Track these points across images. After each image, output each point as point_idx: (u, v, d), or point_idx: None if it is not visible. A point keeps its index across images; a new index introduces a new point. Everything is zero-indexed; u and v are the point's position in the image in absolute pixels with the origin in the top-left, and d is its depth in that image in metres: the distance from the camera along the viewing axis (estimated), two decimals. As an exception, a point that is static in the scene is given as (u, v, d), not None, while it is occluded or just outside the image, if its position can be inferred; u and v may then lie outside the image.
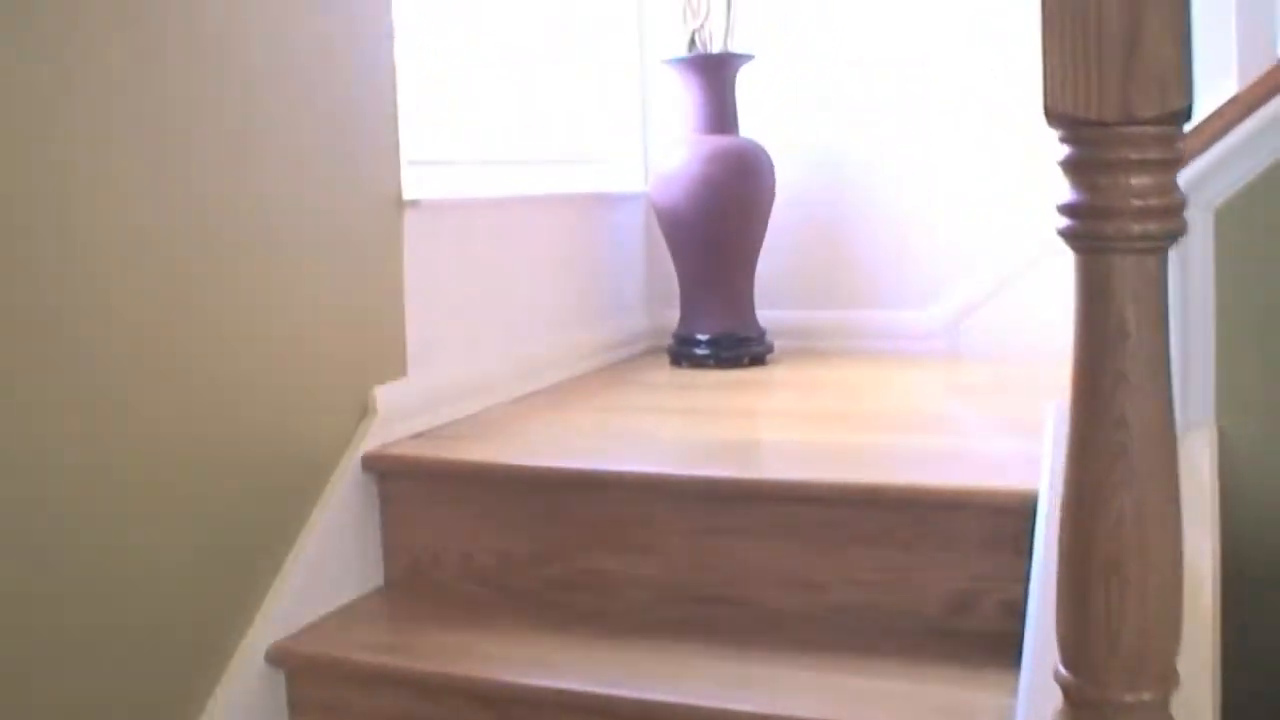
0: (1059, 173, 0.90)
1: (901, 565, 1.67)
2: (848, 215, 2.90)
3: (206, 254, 1.65)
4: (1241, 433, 1.67)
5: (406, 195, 2.08)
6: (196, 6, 1.63)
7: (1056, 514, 0.95)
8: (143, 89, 1.54)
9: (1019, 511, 1.56)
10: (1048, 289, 2.73)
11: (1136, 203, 0.86)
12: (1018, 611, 1.46)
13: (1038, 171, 2.81)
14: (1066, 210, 0.89)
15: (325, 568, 1.83)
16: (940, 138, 2.80)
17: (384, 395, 2.00)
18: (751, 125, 2.83)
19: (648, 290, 3.06)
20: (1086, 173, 0.87)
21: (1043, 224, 2.81)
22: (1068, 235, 0.90)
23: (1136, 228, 0.87)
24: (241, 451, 1.71)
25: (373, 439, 1.96)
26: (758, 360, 2.76)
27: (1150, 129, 0.85)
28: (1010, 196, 2.75)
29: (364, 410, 1.97)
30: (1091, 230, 0.88)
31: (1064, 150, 0.89)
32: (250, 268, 1.73)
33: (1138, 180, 0.86)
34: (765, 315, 2.82)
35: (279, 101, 1.78)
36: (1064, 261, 0.94)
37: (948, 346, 2.84)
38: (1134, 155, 0.86)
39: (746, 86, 2.80)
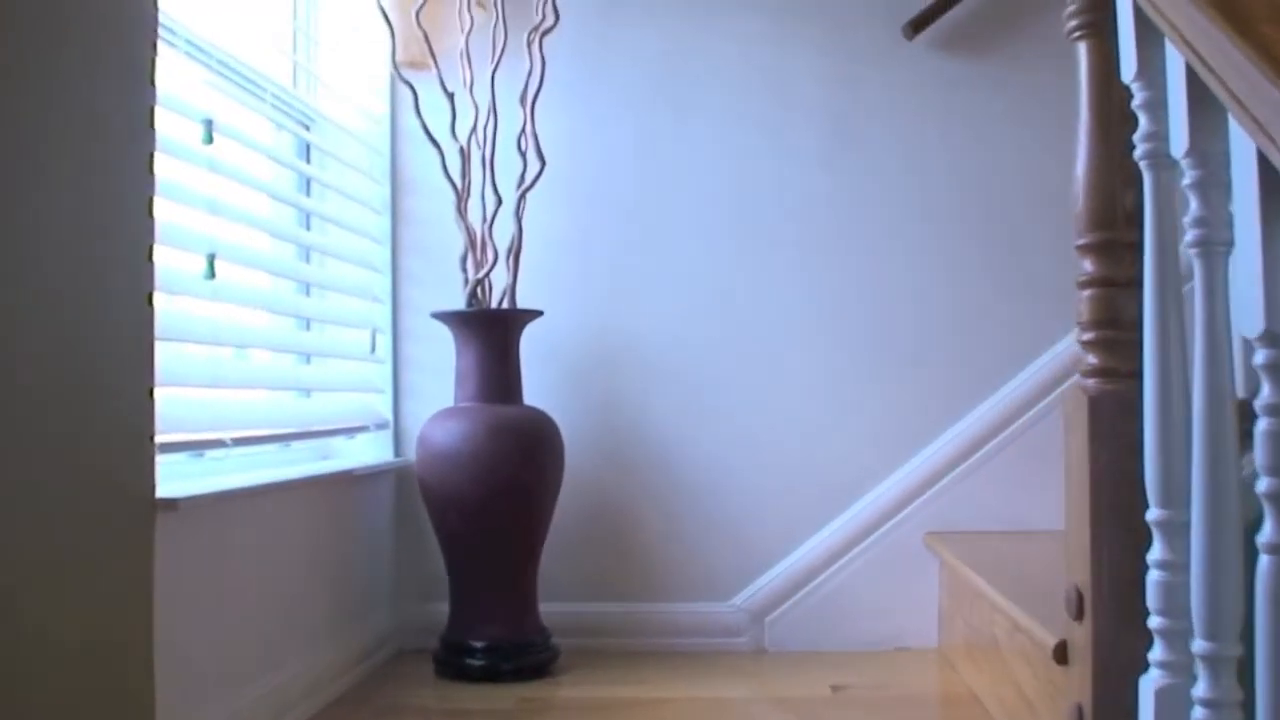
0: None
1: None
2: (642, 498, 2.57)
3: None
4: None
5: (161, 493, 1.56)
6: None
7: None
8: None
9: None
10: (855, 582, 2.51)
11: None
12: None
13: (842, 459, 2.66)
14: None
15: None
16: (745, 417, 2.55)
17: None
18: (535, 392, 2.47)
19: (400, 580, 2.57)
20: None
21: (847, 515, 2.64)
22: None
23: None
24: None
25: None
26: (541, 670, 2.32)
27: None
28: (816, 485, 2.53)
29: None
30: None
31: None
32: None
33: None
34: (549, 610, 2.40)
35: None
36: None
37: (752, 643, 2.52)
38: None
39: (526, 347, 2.45)
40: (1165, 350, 1.26)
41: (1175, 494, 1.26)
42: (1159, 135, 1.25)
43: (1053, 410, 2.47)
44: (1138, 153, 1.28)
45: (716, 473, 2.55)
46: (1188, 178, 1.14)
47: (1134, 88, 1.28)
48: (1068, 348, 2.47)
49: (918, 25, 2.46)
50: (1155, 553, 1.26)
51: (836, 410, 2.54)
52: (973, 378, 2.52)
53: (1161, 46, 1.23)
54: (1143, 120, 1.27)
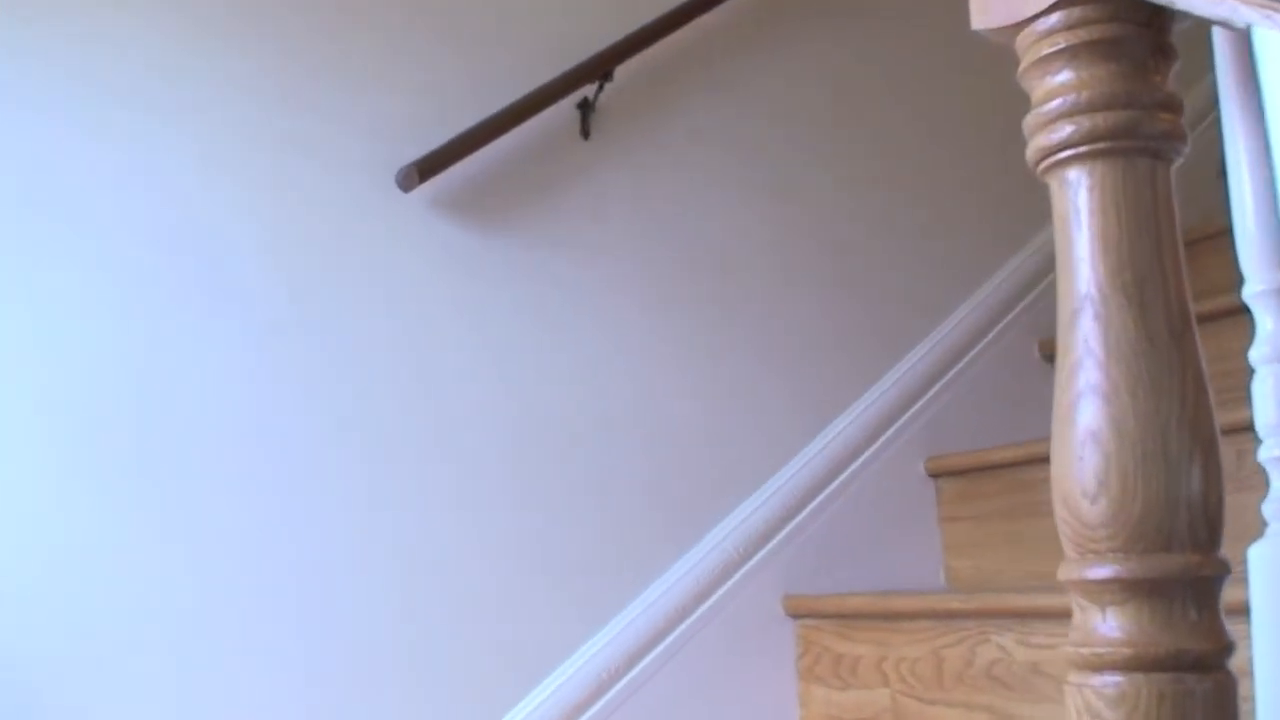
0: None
1: None
2: None
3: None
4: None
5: None
6: None
7: None
8: None
9: None
10: None
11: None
12: None
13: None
14: None
15: None
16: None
17: None
18: None
19: None
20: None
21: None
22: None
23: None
24: None
25: None
26: None
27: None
28: None
29: None
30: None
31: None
32: None
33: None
34: None
35: None
36: None
37: None
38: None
39: None
40: None
41: None
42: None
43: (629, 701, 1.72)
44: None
45: None
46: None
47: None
48: (641, 616, 1.76)
49: (425, 171, 1.66)
50: None
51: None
52: (500, 686, 1.69)
53: None
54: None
